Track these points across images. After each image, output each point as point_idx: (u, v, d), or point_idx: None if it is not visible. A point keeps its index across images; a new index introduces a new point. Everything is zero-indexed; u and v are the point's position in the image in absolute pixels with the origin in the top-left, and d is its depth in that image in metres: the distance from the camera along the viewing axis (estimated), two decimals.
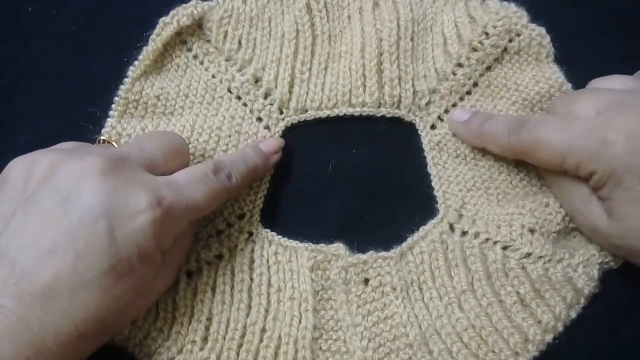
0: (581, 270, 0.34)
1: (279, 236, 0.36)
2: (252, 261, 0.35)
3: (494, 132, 0.36)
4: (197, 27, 0.42)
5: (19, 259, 0.26)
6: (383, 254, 0.35)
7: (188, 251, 0.34)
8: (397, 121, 0.40)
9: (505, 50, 0.40)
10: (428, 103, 0.40)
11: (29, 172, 0.29)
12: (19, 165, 0.30)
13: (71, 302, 0.26)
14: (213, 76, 0.41)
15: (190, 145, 0.38)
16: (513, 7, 0.41)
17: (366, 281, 0.34)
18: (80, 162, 0.28)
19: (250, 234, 0.36)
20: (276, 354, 0.32)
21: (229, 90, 0.40)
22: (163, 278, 0.32)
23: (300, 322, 0.33)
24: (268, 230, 0.37)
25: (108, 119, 0.39)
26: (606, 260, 0.34)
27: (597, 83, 0.36)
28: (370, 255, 0.35)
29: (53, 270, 0.26)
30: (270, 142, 0.38)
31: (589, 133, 0.31)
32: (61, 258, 0.26)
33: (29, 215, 0.27)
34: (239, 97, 0.40)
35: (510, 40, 0.40)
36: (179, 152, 0.33)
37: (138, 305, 0.31)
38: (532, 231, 0.35)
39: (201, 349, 0.32)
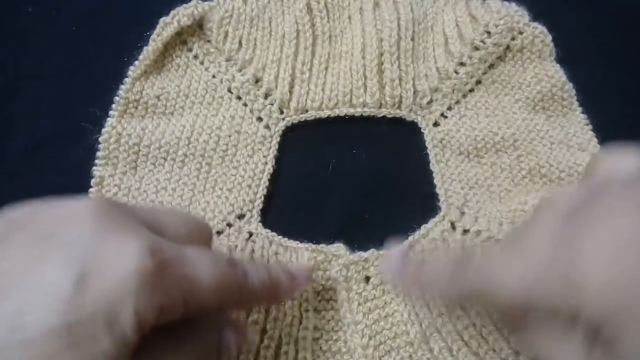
0: None
1: (279, 236, 0.36)
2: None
3: (434, 277, 0.28)
4: (198, 27, 0.42)
5: None
6: (384, 252, 0.35)
7: None
8: (398, 121, 0.40)
9: (508, 48, 0.41)
10: (430, 102, 0.40)
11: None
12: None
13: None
14: (213, 76, 0.41)
15: (190, 145, 0.38)
16: (514, 6, 0.41)
17: (367, 279, 0.34)
18: (69, 204, 0.24)
19: (251, 234, 0.36)
20: (277, 354, 0.32)
21: (229, 90, 0.40)
22: None
23: (301, 323, 0.33)
24: (268, 230, 0.36)
25: (108, 119, 0.39)
26: None
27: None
28: (372, 253, 0.35)
29: None
30: (300, 266, 0.34)
31: (548, 271, 0.21)
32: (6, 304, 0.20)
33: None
34: (239, 97, 0.40)
35: (513, 39, 0.40)
36: (197, 230, 0.27)
37: None
38: None
39: None
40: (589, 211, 0.22)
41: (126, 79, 0.39)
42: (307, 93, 0.40)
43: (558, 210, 0.23)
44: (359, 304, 0.33)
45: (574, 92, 0.40)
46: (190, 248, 0.24)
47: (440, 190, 0.37)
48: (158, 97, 0.40)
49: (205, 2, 0.42)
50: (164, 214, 0.26)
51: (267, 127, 0.40)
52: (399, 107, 0.40)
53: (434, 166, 0.38)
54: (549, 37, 0.40)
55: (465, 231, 0.36)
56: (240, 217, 0.37)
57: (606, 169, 0.26)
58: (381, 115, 0.40)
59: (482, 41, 0.40)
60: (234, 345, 0.26)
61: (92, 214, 0.22)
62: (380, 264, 0.34)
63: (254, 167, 0.38)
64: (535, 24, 0.41)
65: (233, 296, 0.25)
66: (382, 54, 0.40)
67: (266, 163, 0.38)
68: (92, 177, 0.37)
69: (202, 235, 0.28)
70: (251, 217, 0.37)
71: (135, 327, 0.20)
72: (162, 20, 0.40)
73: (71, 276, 0.20)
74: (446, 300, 0.30)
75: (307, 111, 0.40)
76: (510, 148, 0.38)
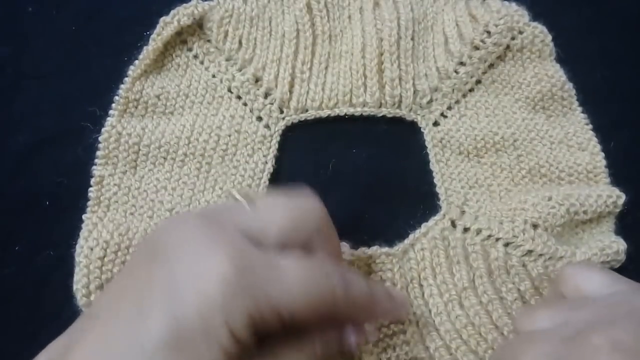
0: None
1: None
2: None
3: None
4: (198, 26, 0.42)
5: (100, 318, 0.24)
6: (387, 250, 0.35)
7: None
8: (398, 121, 0.40)
9: (508, 47, 0.41)
10: (430, 101, 0.40)
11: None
12: (160, 227, 0.27)
13: None
14: (213, 76, 0.41)
15: (190, 145, 0.38)
16: (514, 6, 0.41)
17: (368, 275, 0.34)
18: (179, 219, 0.26)
19: None
20: None
21: (229, 90, 0.40)
22: None
23: None
24: None
25: (108, 118, 0.38)
26: (607, 259, 0.34)
27: (524, 323, 0.28)
28: (375, 250, 0.35)
29: None
30: (398, 292, 0.33)
31: None
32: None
33: (122, 274, 0.25)
34: (239, 97, 0.40)
35: (513, 38, 0.40)
36: (306, 229, 0.26)
37: None
38: (535, 226, 0.34)
39: None
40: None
41: (126, 79, 0.39)
42: (307, 93, 0.40)
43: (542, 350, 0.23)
44: None
45: (574, 92, 0.40)
46: (287, 257, 0.24)
47: (440, 190, 0.37)
48: (158, 97, 0.40)
49: (205, 2, 0.42)
50: (266, 209, 0.26)
51: (267, 126, 0.40)
52: (399, 107, 0.40)
53: (434, 166, 0.38)
54: (549, 37, 0.40)
55: (466, 229, 0.36)
56: None
57: (575, 285, 0.28)
58: (381, 114, 0.40)
59: (482, 41, 0.40)
60: (355, 345, 0.27)
61: (190, 227, 0.24)
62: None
63: (254, 167, 0.38)
64: (535, 23, 0.41)
65: (328, 306, 0.24)
66: (382, 54, 0.40)
67: (266, 162, 0.38)
68: (92, 177, 0.37)
69: (308, 225, 0.27)
70: None
71: (230, 337, 0.21)
72: (162, 20, 0.40)
73: (169, 290, 0.22)
74: None
75: (307, 111, 0.40)
76: (510, 148, 0.38)
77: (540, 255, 0.34)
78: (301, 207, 0.27)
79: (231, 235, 0.24)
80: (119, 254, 0.34)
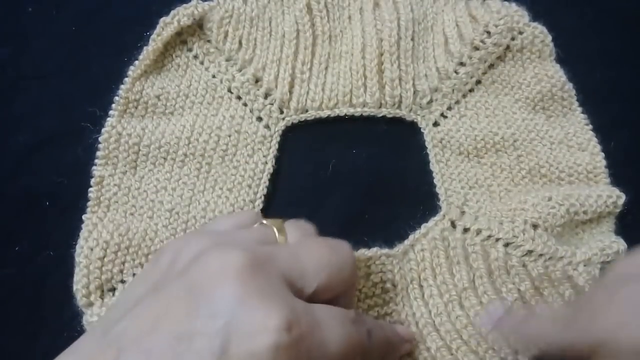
0: (582, 268, 0.34)
1: None
2: None
3: (541, 329, 0.29)
4: (198, 27, 0.42)
5: (126, 351, 0.23)
6: (387, 251, 0.35)
7: None
8: (398, 121, 0.40)
9: (507, 48, 0.41)
10: (430, 102, 0.40)
11: (174, 258, 0.26)
12: (170, 248, 0.27)
13: None
14: (213, 76, 0.41)
15: (190, 145, 0.38)
16: (514, 6, 0.41)
17: (368, 276, 0.34)
18: (222, 258, 0.25)
19: None
20: None
21: (229, 90, 0.40)
22: None
23: None
24: None
25: (108, 119, 0.38)
26: (608, 259, 0.34)
27: None
28: (375, 251, 0.35)
29: None
30: (404, 328, 0.33)
31: None
32: None
33: (154, 304, 0.24)
34: (239, 97, 0.40)
35: (513, 39, 0.40)
36: (341, 280, 0.27)
37: None
38: (535, 226, 0.35)
39: None
40: None
41: (126, 79, 0.39)
42: (307, 93, 0.40)
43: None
44: (359, 300, 0.34)
45: (574, 92, 0.40)
46: (320, 308, 0.25)
47: (440, 190, 0.37)
48: (158, 97, 0.40)
49: (205, 2, 0.42)
50: (307, 256, 0.27)
51: (267, 126, 0.40)
52: (399, 107, 0.40)
53: (434, 166, 0.38)
54: (549, 37, 0.40)
55: (466, 230, 0.36)
56: None
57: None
58: (381, 115, 0.40)
59: (482, 41, 0.40)
60: None
61: (237, 273, 0.24)
62: (482, 313, 0.33)
63: (254, 167, 0.38)
64: (535, 24, 0.41)
65: (356, 357, 0.26)
66: (382, 54, 0.40)
67: (266, 163, 0.38)
68: (92, 177, 0.37)
69: (344, 278, 0.27)
70: None
71: None
72: (162, 20, 0.40)
73: (215, 345, 0.22)
74: (553, 350, 0.29)
75: (307, 111, 0.40)
76: (510, 148, 0.38)
77: (541, 255, 0.34)
78: (339, 260, 0.27)
79: (279, 289, 0.24)
80: (119, 254, 0.34)
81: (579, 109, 0.40)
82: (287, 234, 0.29)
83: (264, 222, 0.30)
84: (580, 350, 0.26)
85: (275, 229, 0.29)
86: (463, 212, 0.37)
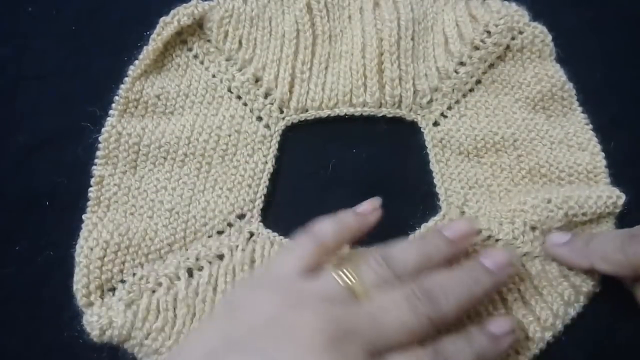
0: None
1: (280, 236, 0.36)
2: (253, 261, 0.35)
3: (604, 249, 0.31)
4: (198, 26, 0.42)
5: None
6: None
7: None
8: (398, 121, 0.40)
9: (508, 48, 0.41)
10: (430, 101, 0.40)
11: (246, 317, 0.26)
12: (240, 302, 0.27)
13: None
14: (213, 76, 0.41)
15: (190, 145, 0.38)
16: (514, 6, 0.41)
17: None
18: (297, 332, 0.24)
19: (252, 234, 0.36)
20: None
21: (229, 90, 0.40)
22: None
23: None
24: (269, 230, 0.36)
25: (108, 118, 0.38)
26: None
27: None
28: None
29: None
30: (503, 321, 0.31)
31: None
32: None
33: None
34: (239, 97, 0.40)
35: (513, 38, 0.40)
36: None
37: None
38: (533, 228, 0.35)
39: None
40: None
41: (126, 79, 0.39)
42: (307, 92, 0.40)
43: None
44: None
45: (574, 92, 0.40)
46: None
47: (440, 190, 0.37)
48: (158, 97, 0.40)
49: (205, 2, 0.42)
50: (388, 317, 0.26)
51: (267, 126, 0.40)
52: (399, 107, 0.40)
53: (433, 166, 0.38)
54: (549, 37, 0.40)
55: None
56: (241, 217, 0.37)
57: None
58: (381, 114, 0.40)
59: (482, 41, 0.40)
60: None
61: (315, 342, 0.24)
62: (548, 238, 0.34)
63: (254, 167, 0.38)
64: (535, 24, 0.41)
65: None
66: (382, 54, 0.40)
67: (266, 162, 0.38)
68: (92, 177, 0.37)
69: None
70: (252, 217, 0.37)
71: None
72: (162, 19, 0.40)
73: None
74: (616, 269, 0.31)
75: (307, 111, 0.40)
76: (510, 148, 0.38)
77: (536, 257, 0.34)
78: (418, 314, 0.27)
79: (362, 354, 0.24)
80: (119, 253, 0.34)
81: (579, 109, 0.40)
82: (364, 285, 0.27)
83: (334, 274, 0.28)
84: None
85: (348, 279, 0.27)
86: (463, 212, 0.37)
